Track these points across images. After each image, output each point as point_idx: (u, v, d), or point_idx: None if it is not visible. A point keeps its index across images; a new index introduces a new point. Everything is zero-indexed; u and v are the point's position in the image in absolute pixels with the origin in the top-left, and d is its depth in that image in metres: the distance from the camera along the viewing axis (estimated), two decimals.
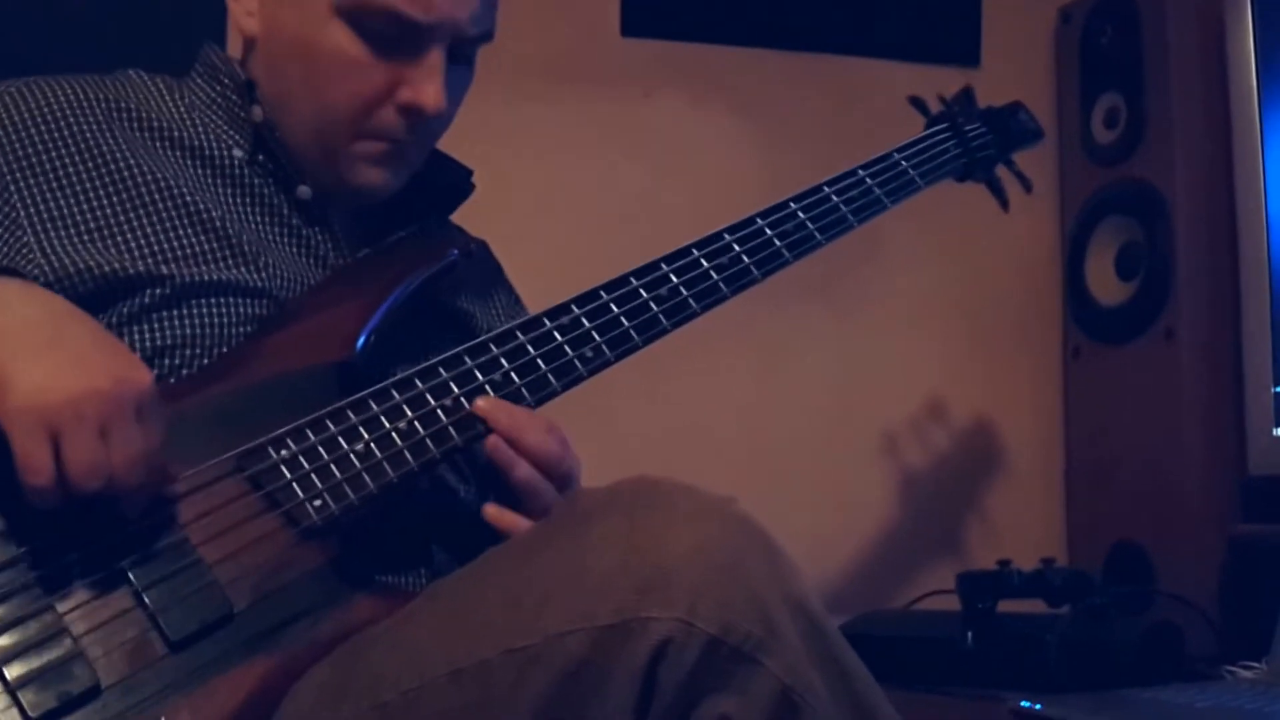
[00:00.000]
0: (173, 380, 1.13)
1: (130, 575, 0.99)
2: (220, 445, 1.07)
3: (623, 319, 1.25)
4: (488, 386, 1.18)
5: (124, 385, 0.96)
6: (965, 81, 1.71)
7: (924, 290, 2.26)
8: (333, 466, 1.10)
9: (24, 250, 1.11)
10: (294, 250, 1.23)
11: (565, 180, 2.07)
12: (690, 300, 1.29)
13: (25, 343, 0.95)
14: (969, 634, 1.69)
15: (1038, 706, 1.44)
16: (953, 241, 2.25)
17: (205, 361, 1.14)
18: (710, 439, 2.12)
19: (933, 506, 2.26)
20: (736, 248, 1.34)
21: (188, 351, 1.13)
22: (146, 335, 1.12)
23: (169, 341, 1.13)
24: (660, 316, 1.27)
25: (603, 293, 1.26)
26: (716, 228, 1.34)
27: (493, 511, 1.15)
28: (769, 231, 1.37)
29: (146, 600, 0.99)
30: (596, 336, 1.24)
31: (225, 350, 1.15)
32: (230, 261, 1.17)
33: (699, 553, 0.92)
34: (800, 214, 1.40)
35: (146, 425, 0.97)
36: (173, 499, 1.03)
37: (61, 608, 0.97)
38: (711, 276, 1.31)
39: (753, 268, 1.34)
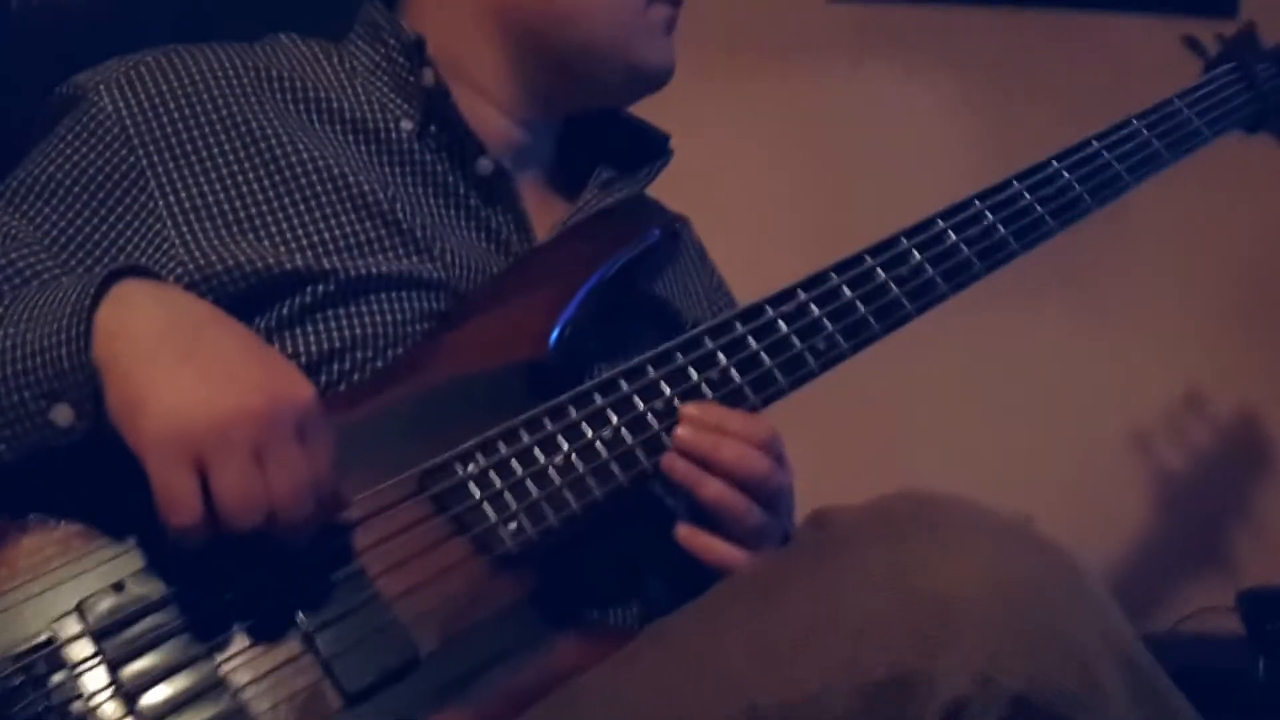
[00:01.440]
0: (341, 388, 0.98)
1: (298, 616, 0.84)
2: (398, 462, 0.92)
3: (859, 304, 1.06)
4: (705, 386, 1.00)
5: (281, 401, 0.81)
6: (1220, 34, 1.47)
7: (1177, 267, 2.00)
8: (528, 483, 0.93)
9: (163, 246, 0.97)
10: (472, 234, 1.07)
11: (770, 157, 1.89)
12: (937, 279, 1.09)
13: (160, 355, 0.80)
14: (1260, 662, 1.46)
15: None
16: (1210, 209, 1.98)
17: (377, 365, 0.99)
18: (935, 442, 1.90)
19: (1193, 512, 2.00)
20: (990, 216, 1.13)
21: (357, 355, 0.98)
22: (310, 339, 0.97)
23: (335, 345, 0.97)
24: (903, 299, 1.07)
25: (834, 274, 1.07)
26: (935, 205, 1.14)
27: (685, 533, 0.97)
28: (1028, 196, 1.16)
29: (318, 645, 0.84)
30: (829, 325, 1.04)
31: (399, 352, 1.00)
32: (402, 250, 1.01)
33: (994, 587, 0.72)
34: (1066, 173, 1.18)
35: (311, 447, 0.82)
36: (346, 526, 0.88)
37: (219, 656, 0.83)
38: (962, 251, 1.11)
39: (1010, 239, 1.13)
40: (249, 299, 0.96)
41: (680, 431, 0.95)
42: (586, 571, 0.98)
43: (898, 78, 1.92)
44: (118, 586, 0.83)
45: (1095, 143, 1.19)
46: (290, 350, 0.96)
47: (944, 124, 1.92)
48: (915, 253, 1.09)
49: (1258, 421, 2.03)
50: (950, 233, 1.11)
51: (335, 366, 0.97)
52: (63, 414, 0.82)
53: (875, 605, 0.74)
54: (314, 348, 0.97)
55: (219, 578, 0.83)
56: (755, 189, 1.87)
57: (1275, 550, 1.98)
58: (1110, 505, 1.97)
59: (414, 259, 1.01)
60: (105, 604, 0.82)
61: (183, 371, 0.80)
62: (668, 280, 1.19)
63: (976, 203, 1.13)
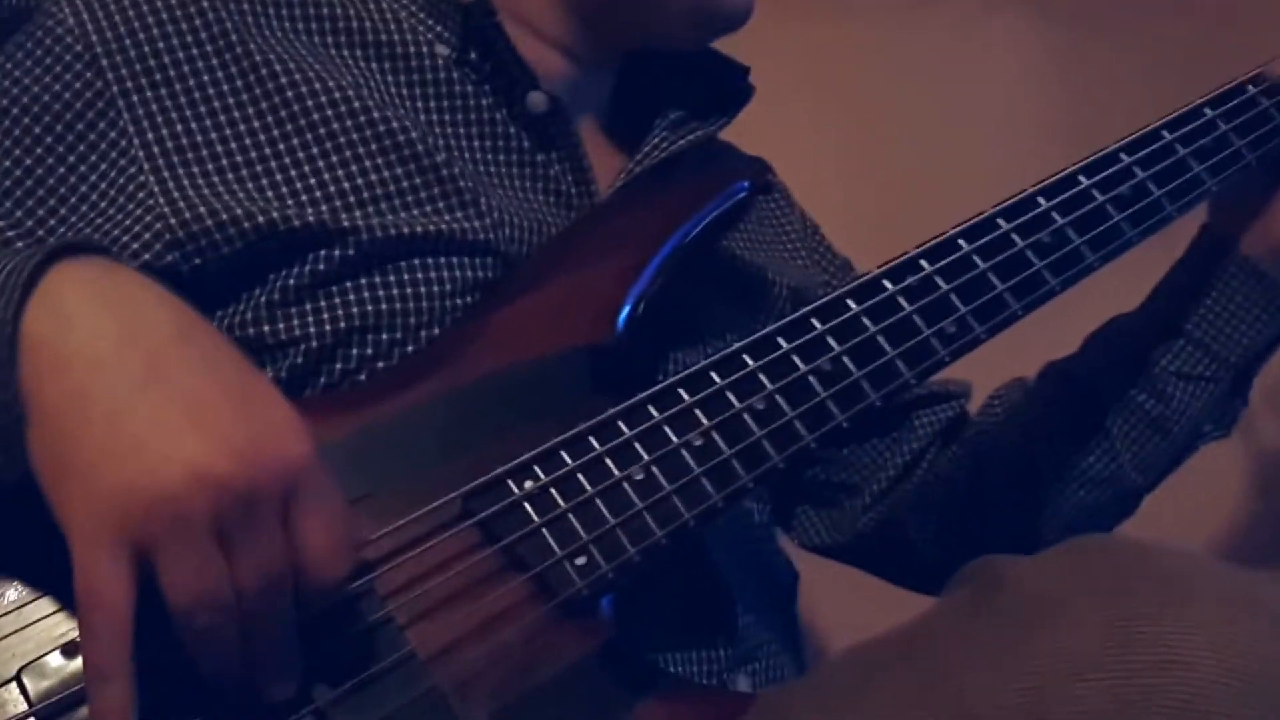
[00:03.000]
0: (361, 378, 0.76)
1: (307, 687, 0.63)
2: (435, 478, 0.70)
3: (992, 277, 0.84)
4: (813, 379, 0.78)
5: (261, 463, 0.57)
6: None
7: None
8: (599, 506, 0.71)
9: (138, 195, 0.74)
10: (523, 185, 0.85)
11: (834, 105, 1.65)
12: (1083, 249, 0.87)
13: (97, 388, 0.58)
14: None
15: None
16: None
17: (407, 350, 0.77)
18: None
19: None
20: (1139, 172, 0.91)
21: (382, 337, 0.76)
22: (323, 316, 0.75)
23: (355, 323, 0.75)
24: (1044, 273, 0.86)
25: (962, 241, 0.85)
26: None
27: None
28: (1180, 149, 0.94)
29: None
30: (959, 304, 0.83)
31: (435, 333, 0.78)
32: (441, 204, 0.79)
33: (1237, 677, 0.52)
34: (1220, 123, 0.96)
35: (313, 506, 0.59)
36: (368, 564, 0.66)
37: None
38: (1109, 214, 0.89)
39: (1164, 200, 0.91)
40: (245, 263, 0.73)
41: None
42: (666, 612, 0.76)
43: (970, 12, 1.67)
44: (69, 649, 0.61)
45: (1250, 88, 0.97)
46: (298, 331, 0.74)
47: (1018, 65, 1.68)
48: (1055, 215, 0.87)
49: None
50: (1095, 191, 0.89)
51: (354, 351, 0.75)
52: None
53: (1088, 693, 0.53)
54: (327, 327, 0.74)
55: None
56: (804, 147, 1.63)
57: None
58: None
59: (454, 215, 0.78)
60: (52, 672, 0.60)
61: (129, 415, 0.57)
62: (756, 242, 0.97)
63: (1123, 155, 0.91)
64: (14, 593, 0.62)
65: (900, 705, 0.57)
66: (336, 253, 0.74)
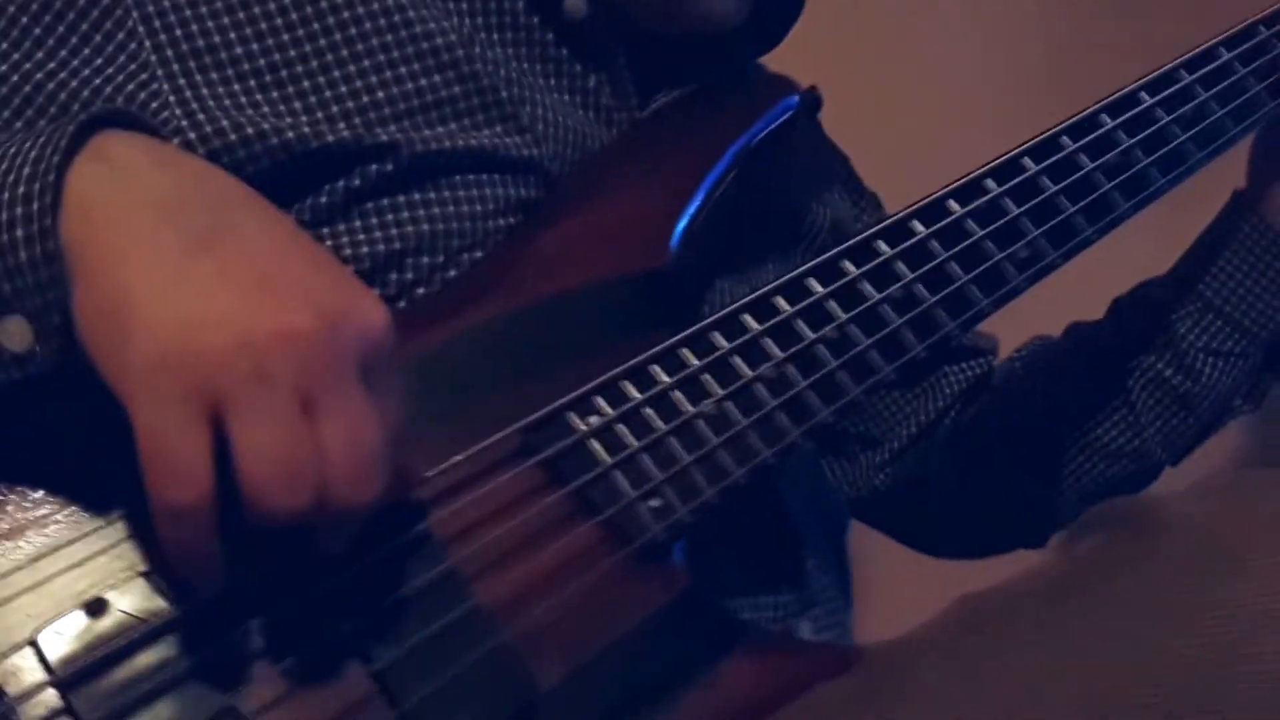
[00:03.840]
0: (401, 306, 0.68)
1: (363, 647, 0.55)
2: (490, 412, 0.62)
3: (1063, 199, 0.78)
4: (886, 306, 0.71)
5: (344, 323, 0.50)
6: None
7: None
8: (672, 443, 0.64)
9: (150, 104, 0.65)
10: (561, 98, 0.76)
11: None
12: (1153, 170, 0.81)
13: (160, 238, 0.50)
14: None
15: None
16: None
17: (449, 275, 0.69)
18: None
19: None
20: (1201, 91, 0.85)
21: (424, 260, 0.68)
22: (360, 238, 0.67)
23: (396, 246, 0.67)
24: (1115, 194, 0.79)
25: (1029, 160, 0.78)
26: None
27: None
28: (1240, 68, 0.88)
29: (394, 688, 0.55)
30: (1031, 227, 0.76)
31: (478, 257, 0.70)
32: (480, 118, 0.70)
33: None
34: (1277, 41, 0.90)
35: (381, 394, 0.51)
36: (424, 508, 0.58)
37: (248, 705, 0.53)
38: (1176, 134, 0.83)
39: (1228, 120, 0.85)
40: (272, 183, 0.64)
41: None
42: (731, 556, 0.69)
43: None
44: (94, 607, 0.52)
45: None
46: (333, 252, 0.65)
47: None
48: (1123, 134, 0.81)
49: None
50: (1159, 109, 0.83)
51: (393, 277, 0.67)
52: (15, 332, 0.51)
53: None
54: (365, 250, 0.66)
55: (241, 590, 0.53)
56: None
57: None
58: None
59: (495, 130, 0.70)
60: (73, 636, 0.52)
61: (195, 266, 0.50)
62: (793, 168, 0.89)
63: (1184, 72, 0.84)
64: (28, 545, 0.53)
65: (1059, 656, 0.50)
66: (373, 169, 0.66)
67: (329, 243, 0.65)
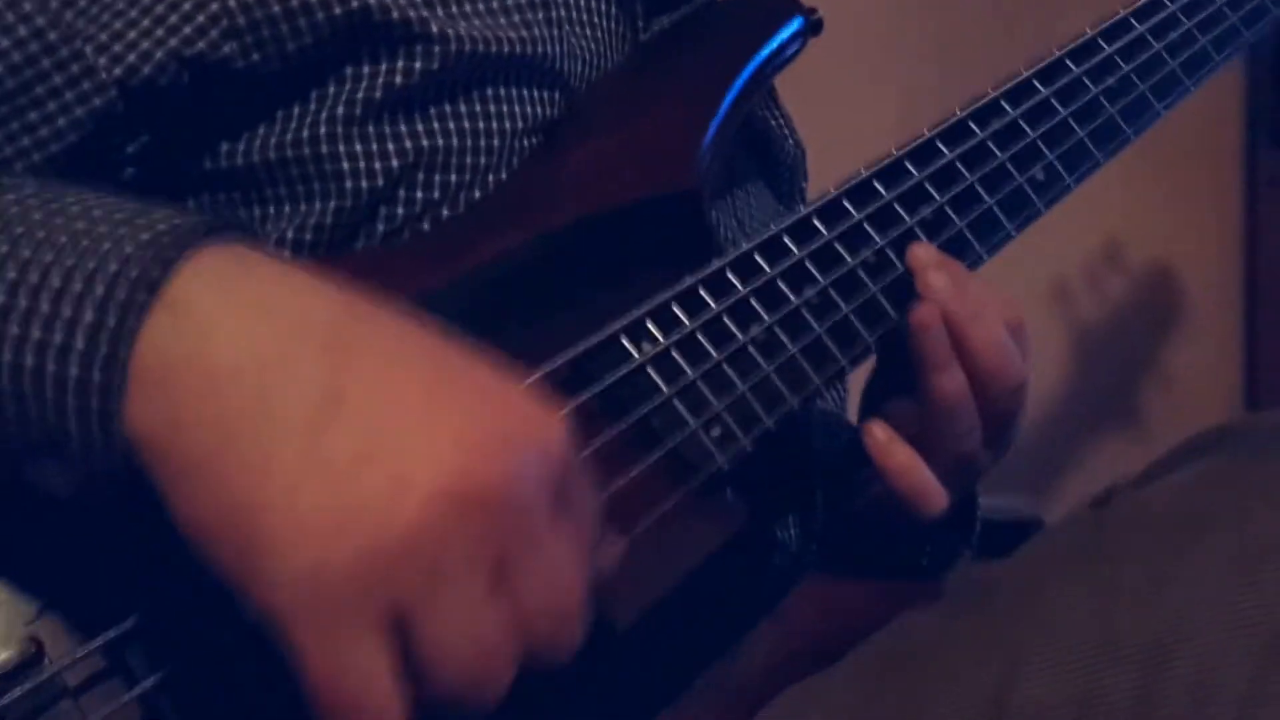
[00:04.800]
0: (424, 226, 0.62)
1: None
2: (534, 338, 0.58)
3: (1073, 123, 0.76)
4: (919, 230, 0.69)
5: (519, 459, 0.42)
6: None
7: None
8: (727, 370, 0.60)
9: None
10: (575, 12, 0.71)
11: None
12: (1149, 95, 0.81)
13: (274, 416, 0.40)
14: None
15: None
16: None
17: (474, 195, 0.63)
18: None
19: (1109, 363, 1.82)
20: (1184, 20, 0.85)
21: (451, 177, 0.62)
22: (389, 145, 0.61)
23: (425, 157, 0.61)
24: (1117, 119, 0.79)
25: (1038, 83, 0.76)
26: None
27: (880, 436, 0.65)
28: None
29: None
30: (1046, 151, 0.74)
31: (503, 178, 0.64)
32: (517, 18, 0.65)
33: None
34: None
35: (574, 517, 0.44)
36: None
37: None
38: (1166, 62, 0.82)
39: (1211, 50, 0.85)
40: (312, 64, 0.58)
41: (934, 280, 0.63)
42: (771, 488, 0.66)
43: None
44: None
45: None
46: (361, 162, 0.60)
47: None
48: (1119, 60, 0.80)
49: (1170, 275, 1.86)
50: (1150, 37, 0.82)
51: (417, 194, 0.62)
52: (48, 469, 0.44)
53: None
54: (394, 162, 0.60)
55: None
56: None
57: (1182, 407, 1.83)
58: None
59: (532, 33, 0.65)
60: None
61: (326, 438, 0.40)
62: (770, 91, 0.86)
63: (1137, 23, 0.84)
64: None
65: (1203, 586, 0.48)
66: (417, 65, 0.60)
67: (357, 145, 0.59)
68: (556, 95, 0.66)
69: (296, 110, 0.59)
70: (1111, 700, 0.48)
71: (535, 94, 0.65)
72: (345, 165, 0.59)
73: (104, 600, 0.46)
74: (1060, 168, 0.75)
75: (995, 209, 0.72)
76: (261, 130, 0.59)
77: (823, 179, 0.87)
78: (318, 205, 0.59)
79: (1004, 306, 0.65)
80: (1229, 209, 1.90)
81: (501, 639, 0.41)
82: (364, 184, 0.60)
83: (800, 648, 0.57)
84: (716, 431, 0.59)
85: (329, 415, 0.40)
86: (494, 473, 0.40)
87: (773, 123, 0.84)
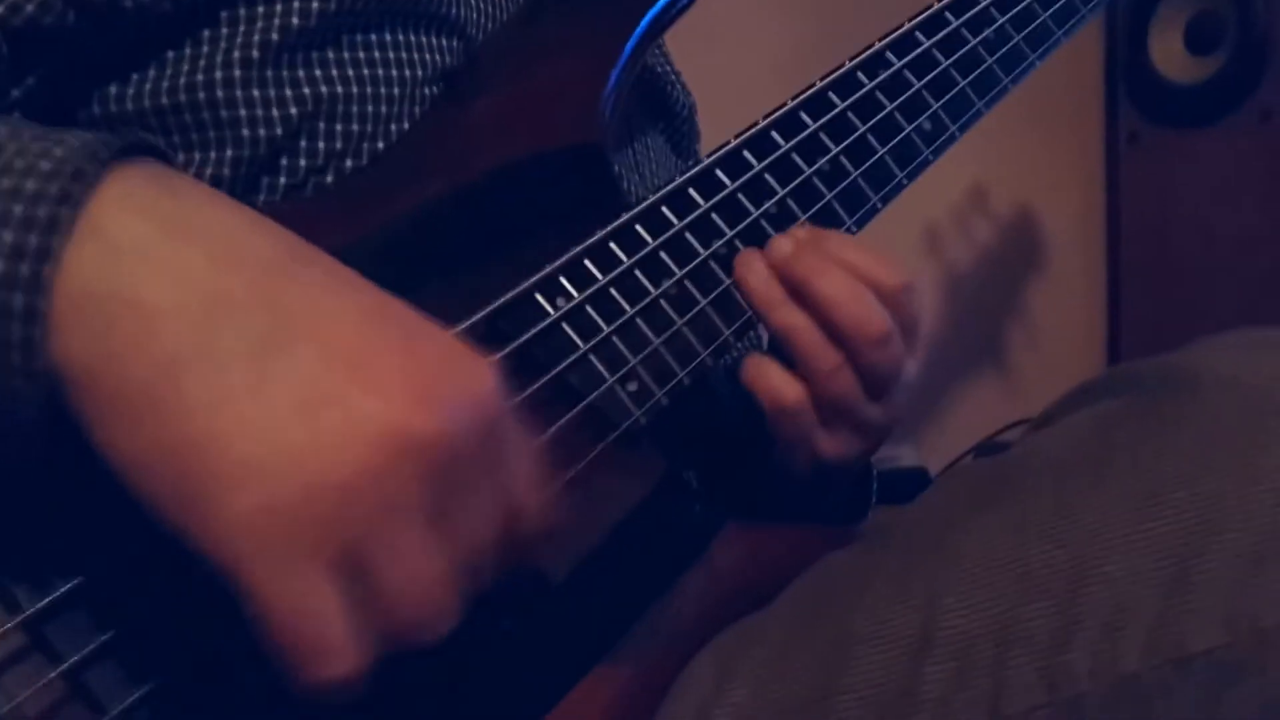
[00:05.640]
0: (327, 180, 0.60)
1: None
2: (446, 298, 0.56)
3: (954, 73, 0.78)
4: (816, 179, 0.69)
5: (456, 403, 0.42)
6: None
7: None
8: (640, 324, 0.60)
9: None
10: None
11: None
12: (1023, 46, 0.82)
13: (216, 354, 0.39)
14: None
15: None
16: None
17: (377, 146, 0.62)
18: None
19: (977, 312, 1.87)
20: None
21: (353, 127, 0.60)
22: (286, 92, 0.58)
23: (324, 106, 0.59)
24: (996, 70, 0.80)
25: (920, 34, 0.77)
26: None
27: (754, 369, 0.64)
28: None
29: None
30: (930, 100, 0.76)
31: (405, 128, 0.62)
32: None
33: None
34: None
35: (512, 456, 0.44)
36: None
37: None
38: (1038, 13, 0.84)
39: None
40: (204, 5, 0.55)
41: (776, 242, 0.63)
42: (684, 437, 0.66)
43: None
44: None
45: None
46: (259, 110, 0.58)
47: None
48: (996, 11, 0.81)
49: (1037, 229, 1.92)
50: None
51: (319, 144, 0.60)
52: None
53: None
54: (293, 109, 0.58)
55: None
56: None
57: (1048, 356, 1.89)
58: None
59: None
60: None
61: (273, 379, 0.39)
62: (661, 50, 0.85)
63: None
64: None
65: (1109, 519, 0.50)
66: (314, 5, 0.57)
67: (255, 91, 0.57)
68: (455, 43, 0.65)
69: (189, 53, 0.57)
70: (1030, 628, 0.49)
71: (434, 41, 0.63)
72: (243, 112, 0.57)
73: (19, 575, 0.43)
74: (945, 117, 0.76)
75: (886, 158, 0.72)
76: (152, 73, 0.56)
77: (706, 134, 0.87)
78: (213, 154, 0.57)
79: (875, 266, 0.64)
80: (1092, 166, 1.95)
81: (448, 573, 0.41)
82: (262, 132, 0.58)
83: (729, 592, 0.58)
84: (633, 386, 0.58)
85: (271, 357, 0.39)
86: (436, 416, 0.40)
87: (670, 76, 0.84)
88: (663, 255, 0.62)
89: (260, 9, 0.56)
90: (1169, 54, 1.82)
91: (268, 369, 0.39)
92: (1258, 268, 1.74)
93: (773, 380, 0.63)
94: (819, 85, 0.72)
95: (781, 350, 0.64)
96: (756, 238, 0.65)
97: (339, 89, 0.59)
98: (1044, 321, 1.90)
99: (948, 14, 0.79)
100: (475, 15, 0.66)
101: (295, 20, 0.57)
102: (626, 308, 0.60)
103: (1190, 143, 1.80)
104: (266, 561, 0.38)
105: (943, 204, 1.82)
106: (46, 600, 0.43)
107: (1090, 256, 1.95)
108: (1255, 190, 1.73)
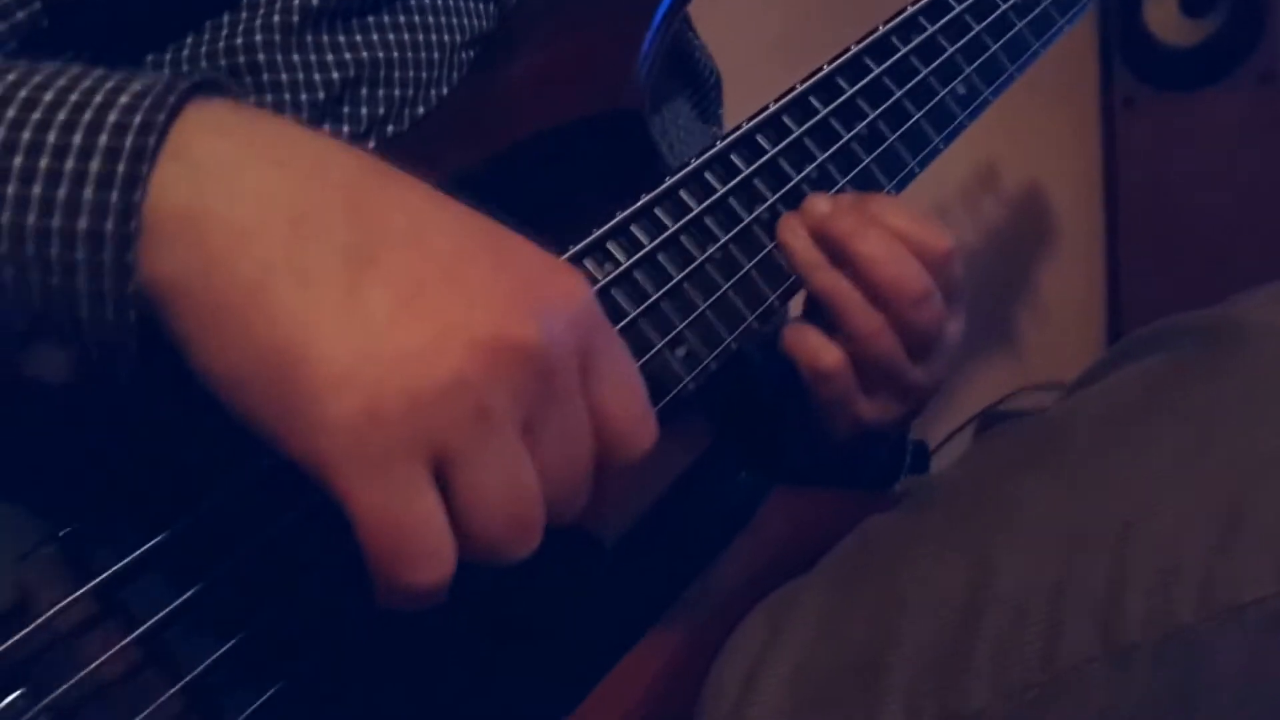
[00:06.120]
0: (371, 145, 0.59)
1: None
2: None
3: (986, 38, 0.77)
4: (855, 145, 0.69)
5: (551, 314, 0.41)
6: None
7: None
8: (687, 290, 0.59)
9: None
10: None
11: None
12: (1050, 9, 0.82)
13: (306, 268, 0.39)
14: None
15: None
16: None
17: (419, 111, 0.61)
18: None
19: (987, 287, 1.87)
20: None
21: (395, 92, 0.60)
22: (328, 57, 0.58)
23: (366, 71, 0.59)
24: (1026, 33, 0.80)
25: (953, 1, 0.77)
26: None
27: (793, 335, 0.65)
28: None
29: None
30: (964, 64, 0.75)
31: (445, 93, 0.62)
32: None
33: None
34: None
35: (609, 372, 0.44)
36: None
37: None
38: None
39: None
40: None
41: (813, 202, 0.63)
42: (729, 404, 0.66)
43: None
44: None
45: None
46: (301, 74, 0.57)
47: None
48: None
49: (1030, 185, 1.91)
50: None
51: (362, 110, 0.59)
52: (47, 359, 0.41)
53: None
54: (334, 74, 0.57)
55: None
56: None
57: (1047, 322, 1.90)
58: None
59: None
60: None
61: (363, 289, 0.39)
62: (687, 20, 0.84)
63: None
64: None
65: (1159, 471, 0.50)
66: None
67: (300, 54, 0.56)
68: (491, 6, 0.64)
69: (227, 19, 0.56)
70: (1084, 582, 0.49)
71: (469, 4, 0.63)
72: (284, 77, 0.56)
73: (98, 535, 0.43)
74: (979, 80, 0.75)
75: (922, 122, 0.72)
76: (190, 39, 0.56)
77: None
78: None
79: (917, 228, 0.64)
80: (1088, 132, 1.94)
81: (536, 485, 0.41)
82: (304, 97, 0.57)
83: (774, 558, 0.57)
84: (682, 352, 0.58)
85: (362, 267, 0.39)
86: (532, 325, 0.40)
87: (696, 44, 0.83)
88: (707, 220, 0.61)
89: None
90: (1164, 16, 1.81)
91: (360, 279, 0.39)
92: (1256, 232, 1.75)
93: (811, 343, 0.63)
94: (854, 50, 0.71)
95: (823, 315, 0.63)
96: (798, 203, 0.65)
97: (379, 54, 0.58)
98: (1043, 288, 1.90)
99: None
100: None
101: None
102: (673, 273, 0.59)
103: (1187, 106, 1.80)
104: (363, 465, 0.38)
105: (938, 173, 1.81)
106: (122, 563, 0.43)
107: (1089, 222, 1.95)
108: (1254, 153, 1.73)
